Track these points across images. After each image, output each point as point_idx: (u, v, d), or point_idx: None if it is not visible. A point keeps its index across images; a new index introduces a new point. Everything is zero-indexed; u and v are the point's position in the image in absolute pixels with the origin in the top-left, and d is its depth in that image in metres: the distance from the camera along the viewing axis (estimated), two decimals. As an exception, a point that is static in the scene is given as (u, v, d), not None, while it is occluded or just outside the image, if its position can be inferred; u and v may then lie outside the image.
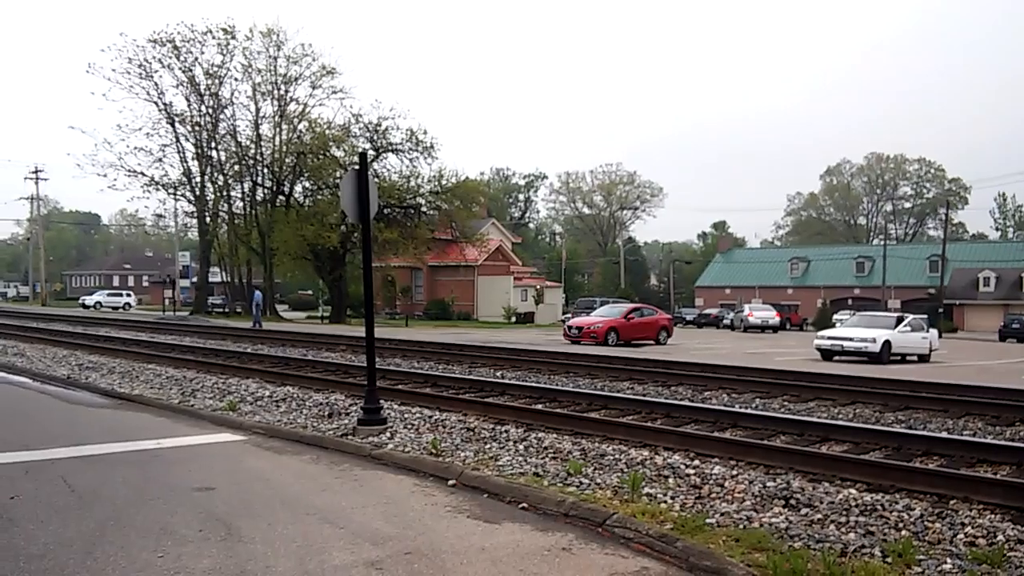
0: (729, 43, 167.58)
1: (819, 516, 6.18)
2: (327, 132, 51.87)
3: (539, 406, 11.66)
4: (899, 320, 27.28)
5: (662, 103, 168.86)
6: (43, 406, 12.09)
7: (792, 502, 6.52)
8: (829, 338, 26.55)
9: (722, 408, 11.73)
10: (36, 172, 77.63)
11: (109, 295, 76.18)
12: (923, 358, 26.65)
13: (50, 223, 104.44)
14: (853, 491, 6.79)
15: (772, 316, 52.00)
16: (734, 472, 7.42)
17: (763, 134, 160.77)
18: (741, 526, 5.89)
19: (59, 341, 22.82)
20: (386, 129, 50.57)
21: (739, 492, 6.79)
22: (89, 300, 72.96)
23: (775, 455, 8.10)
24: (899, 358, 25.74)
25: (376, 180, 9.53)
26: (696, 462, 7.82)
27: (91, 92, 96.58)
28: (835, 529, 5.90)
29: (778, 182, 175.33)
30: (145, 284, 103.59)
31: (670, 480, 7.24)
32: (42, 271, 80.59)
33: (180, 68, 53.10)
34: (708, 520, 5.96)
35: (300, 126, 54.64)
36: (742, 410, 11.59)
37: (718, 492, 6.84)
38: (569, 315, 49.07)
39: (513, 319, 57.94)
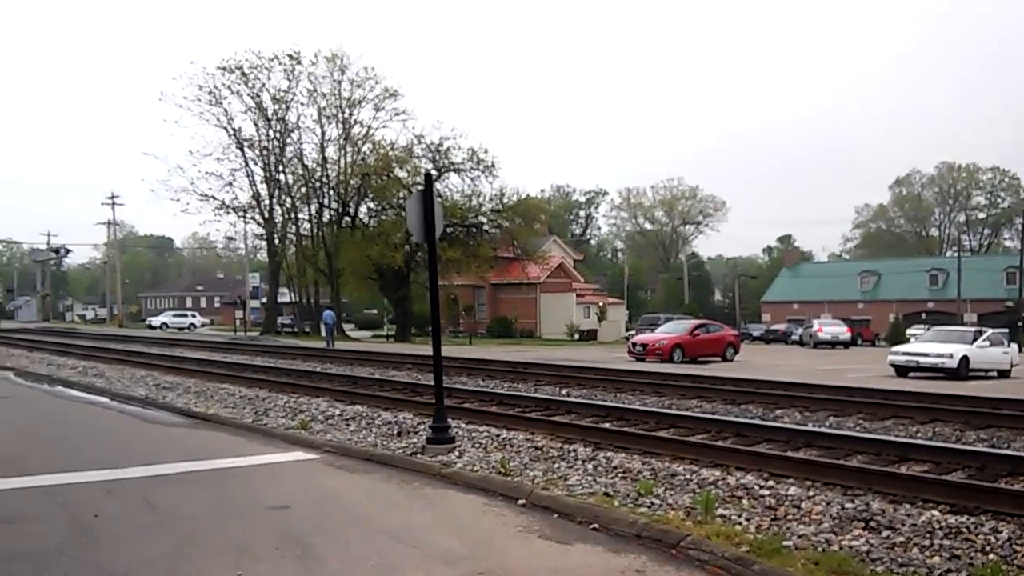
0: (790, 49, 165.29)
1: (901, 539, 5.99)
2: (390, 153, 52.73)
3: (607, 425, 11.57)
4: (977, 334, 26.37)
5: (723, 115, 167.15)
6: (123, 426, 12.46)
7: (872, 524, 6.34)
8: (904, 354, 25.80)
9: (795, 427, 11.50)
10: (112, 198, 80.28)
11: (175, 316, 78.27)
12: (1003, 374, 25.71)
13: (126, 247, 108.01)
14: (936, 513, 6.56)
15: (843, 331, 50.75)
16: (810, 493, 7.25)
17: (828, 144, 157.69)
18: (820, 549, 5.75)
19: (136, 362, 23.50)
20: (448, 149, 51.24)
21: (816, 513, 6.62)
22: (155, 321, 74.97)
23: (852, 475, 7.89)
24: (979, 374, 24.88)
25: (439, 200, 9.69)
26: (770, 482, 7.65)
27: (164, 119, 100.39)
28: (919, 552, 5.72)
29: (845, 194, 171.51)
30: (217, 305, 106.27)
31: (744, 501, 7.10)
32: (119, 293, 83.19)
33: (248, 94, 54.75)
34: (785, 542, 5.83)
35: (364, 148, 55.78)
36: (816, 429, 11.34)
37: (794, 513, 6.68)
38: (633, 332, 48.65)
39: (576, 336, 57.77)
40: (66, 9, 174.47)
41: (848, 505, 6.76)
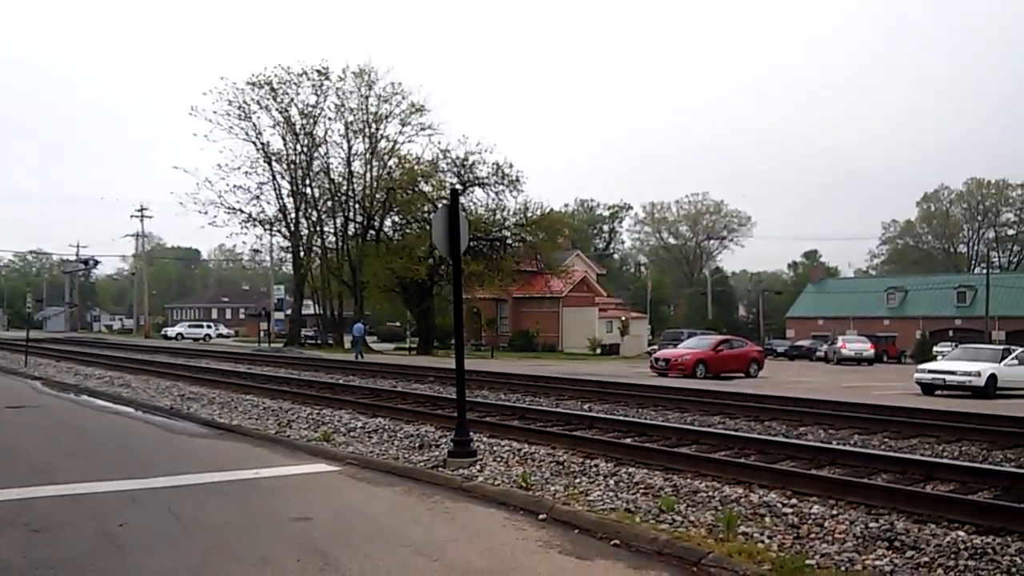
0: (815, 64, 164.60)
1: (926, 559, 5.94)
2: (416, 168, 53.05)
3: (628, 440, 11.55)
4: (1006, 352, 26.00)
5: (750, 131, 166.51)
6: (148, 436, 12.59)
7: (896, 544, 6.28)
8: (930, 371, 25.53)
9: (819, 444, 11.41)
10: (141, 210, 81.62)
11: (190, 327, 79.09)
12: (1032, 392, 25.31)
13: (153, 259, 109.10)
14: (962, 533, 6.50)
15: (866, 348, 50.26)
16: (834, 511, 7.19)
17: (855, 160, 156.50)
18: (843, 568, 5.72)
19: (162, 372, 23.74)
20: (473, 163, 51.40)
21: (840, 532, 6.58)
22: (171, 332, 75.51)
23: (877, 494, 7.81)
24: (1007, 392, 24.51)
25: (463, 214, 9.74)
26: (793, 500, 7.61)
27: (193, 134, 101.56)
28: (943, 573, 5.68)
29: (872, 210, 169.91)
30: (242, 316, 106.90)
31: (766, 519, 7.06)
32: (146, 305, 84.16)
33: (277, 109, 55.41)
34: (808, 561, 5.80)
35: (390, 162, 56.18)
36: (840, 447, 11.24)
37: (817, 532, 6.64)
38: (655, 347, 48.45)
39: (598, 351, 57.62)
40: (97, 24, 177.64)
41: (872, 524, 6.71)
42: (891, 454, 10.69)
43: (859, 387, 26.74)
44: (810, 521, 6.91)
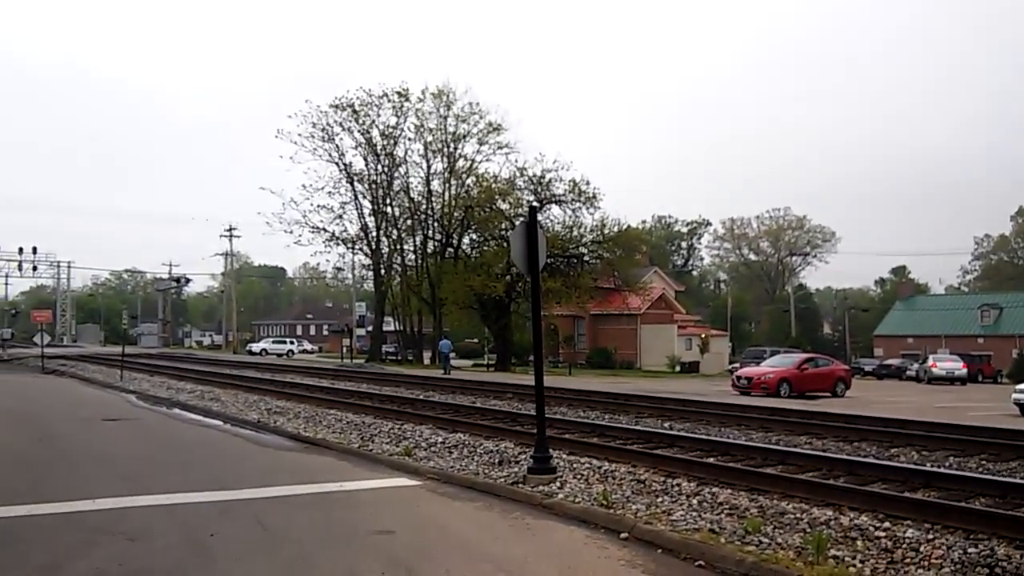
0: (900, 78, 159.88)
1: (1031, 588, 5.64)
2: (493, 186, 53.42)
3: (711, 459, 11.34)
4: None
5: (835, 146, 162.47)
6: (237, 448, 12.94)
7: (997, 570, 6.00)
8: (1030, 392, 24.34)
9: (912, 466, 10.99)
10: (230, 230, 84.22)
11: (274, 343, 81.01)
12: None
13: (241, 277, 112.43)
14: (1069, 562, 6.16)
15: (958, 367, 48.29)
16: (930, 536, 6.90)
17: (947, 174, 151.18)
18: (941, 595, 5.47)
19: (250, 387, 24.37)
20: (549, 181, 51.49)
21: (936, 558, 6.31)
22: (256, 347, 77.37)
23: (975, 519, 7.47)
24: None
25: (541, 231, 9.81)
26: (886, 524, 7.32)
27: (279, 156, 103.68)
28: (1051, 604, 5.38)
29: (963, 225, 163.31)
30: (325, 333, 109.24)
31: (858, 542, 6.82)
32: (234, 321, 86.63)
33: (359, 130, 56.61)
34: (903, 587, 5.57)
35: (468, 181, 56.72)
36: (935, 469, 10.81)
37: (912, 557, 6.38)
38: (737, 365, 47.51)
39: (677, 368, 56.85)
40: (190, 53, 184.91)
41: (971, 550, 6.42)
42: (990, 477, 10.23)
43: (953, 408, 25.70)
44: (904, 545, 6.64)
